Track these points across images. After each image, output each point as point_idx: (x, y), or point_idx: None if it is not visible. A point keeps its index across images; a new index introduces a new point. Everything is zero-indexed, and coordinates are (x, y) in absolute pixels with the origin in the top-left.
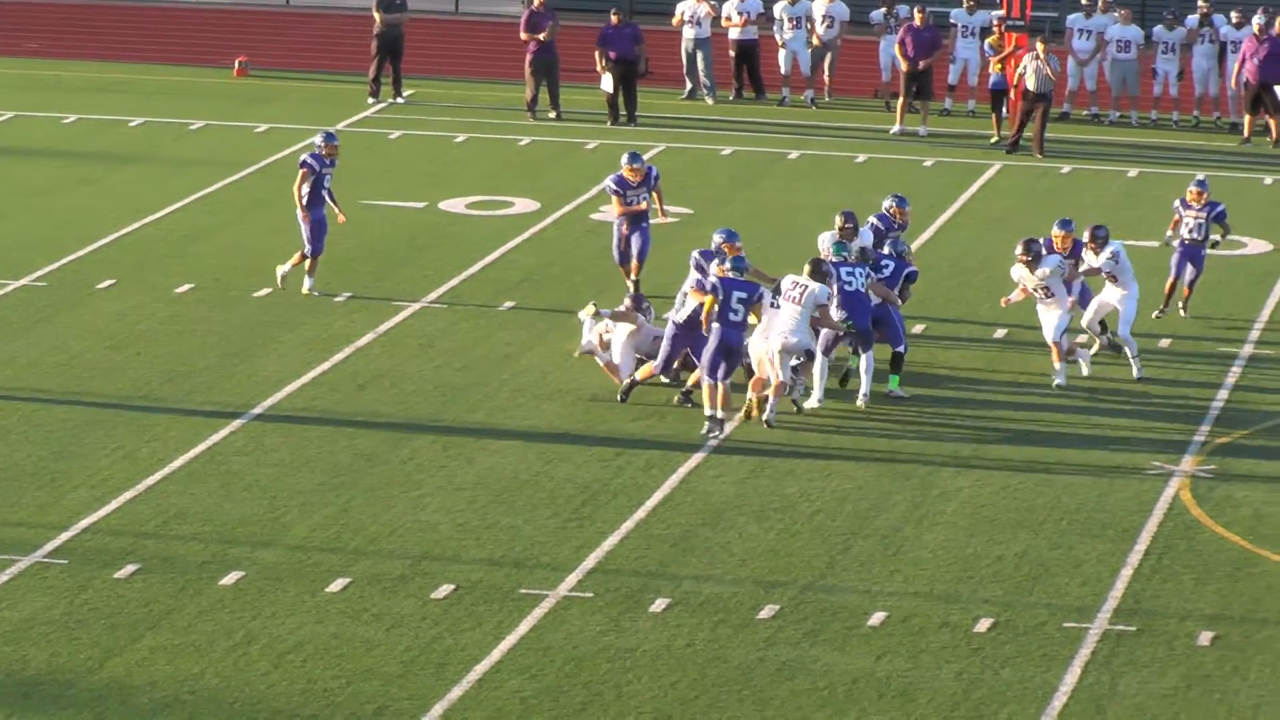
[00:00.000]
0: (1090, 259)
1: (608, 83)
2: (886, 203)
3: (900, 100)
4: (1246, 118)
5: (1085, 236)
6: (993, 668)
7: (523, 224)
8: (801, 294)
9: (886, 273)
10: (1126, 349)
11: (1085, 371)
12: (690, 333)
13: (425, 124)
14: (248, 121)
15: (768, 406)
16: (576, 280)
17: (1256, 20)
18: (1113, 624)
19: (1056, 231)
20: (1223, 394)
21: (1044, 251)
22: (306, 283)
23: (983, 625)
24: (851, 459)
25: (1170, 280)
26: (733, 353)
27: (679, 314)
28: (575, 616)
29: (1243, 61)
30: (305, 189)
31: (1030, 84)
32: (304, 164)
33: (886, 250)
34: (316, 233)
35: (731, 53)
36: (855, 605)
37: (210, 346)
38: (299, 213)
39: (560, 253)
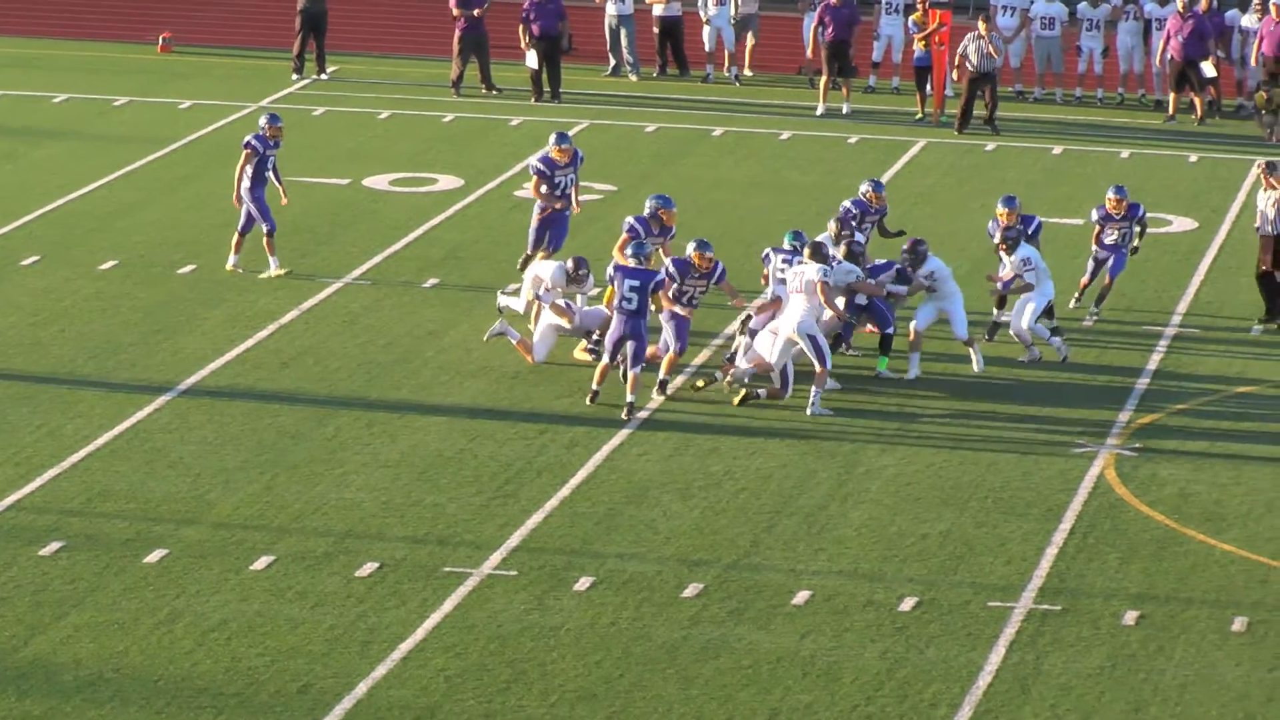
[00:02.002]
0: (1005, 262)
1: (532, 59)
2: (863, 187)
3: (823, 79)
4: (1171, 95)
5: (996, 236)
6: (917, 647)
7: (446, 201)
8: (801, 280)
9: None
10: (1035, 336)
11: (977, 369)
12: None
13: (349, 100)
14: (171, 98)
15: (811, 395)
16: (500, 257)
17: None
18: (1037, 603)
19: (1001, 209)
20: (1147, 372)
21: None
22: (271, 264)
23: (907, 604)
24: (776, 437)
25: (1086, 277)
26: (627, 339)
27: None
28: (499, 594)
29: (1167, 39)
30: (249, 170)
31: (972, 63)
32: (248, 145)
33: (861, 238)
34: (261, 211)
35: (655, 29)
36: (779, 584)
37: (134, 323)
38: (238, 193)
39: (484, 229)
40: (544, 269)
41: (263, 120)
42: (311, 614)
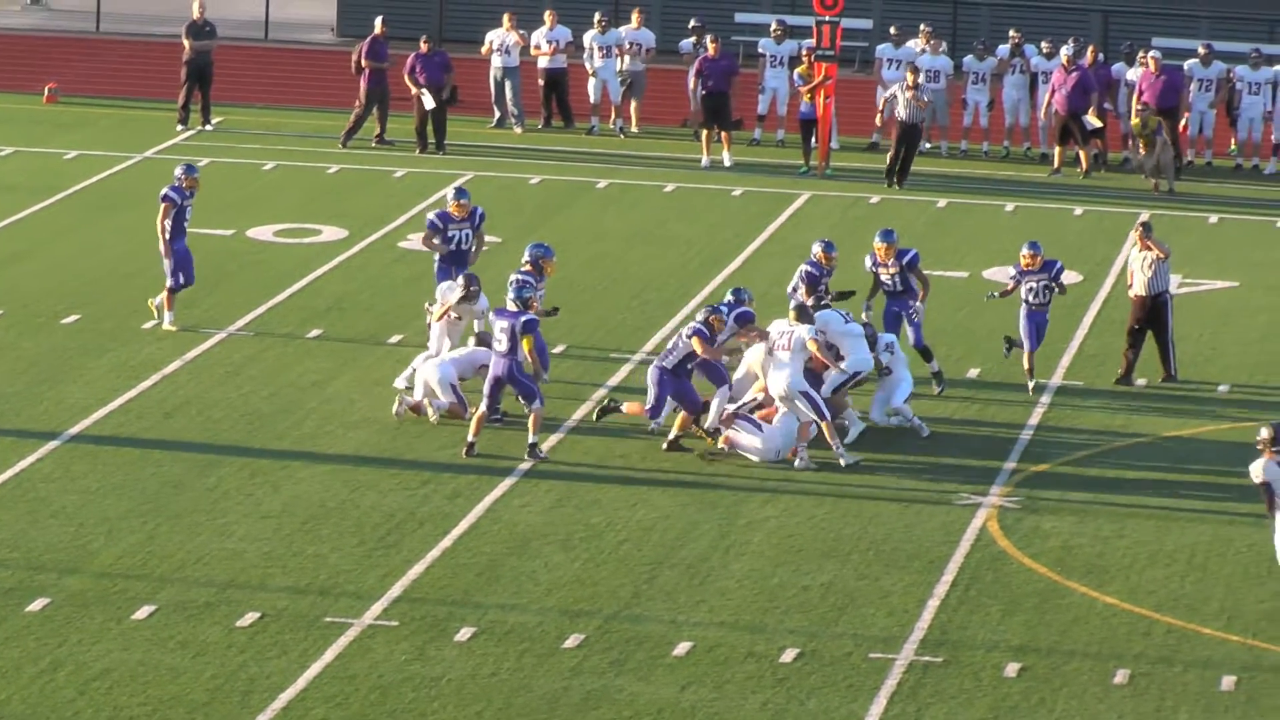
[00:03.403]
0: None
1: (429, 100)
2: (815, 248)
3: (705, 132)
4: (1056, 149)
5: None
6: (798, 698)
7: (330, 252)
8: (790, 339)
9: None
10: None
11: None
12: (676, 378)
13: (233, 151)
14: (57, 148)
15: (835, 445)
16: (384, 308)
17: (1065, 51)
18: (919, 655)
19: (879, 244)
20: (1031, 424)
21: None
22: (166, 318)
23: (788, 655)
24: (659, 488)
25: (1027, 350)
26: (501, 382)
27: (666, 359)
28: (380, 645)
29: (1052, 92)
30: (168, 223)
31: (901, 114)
32: (166, 198)
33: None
34: (183, 264)
35: (540, 81)
36: (661, 635)
37: (18, 372)
38: (162, 246)
39: (368, 281)
40: (430, 372)
41: (179, 171)
42: (193, 663)
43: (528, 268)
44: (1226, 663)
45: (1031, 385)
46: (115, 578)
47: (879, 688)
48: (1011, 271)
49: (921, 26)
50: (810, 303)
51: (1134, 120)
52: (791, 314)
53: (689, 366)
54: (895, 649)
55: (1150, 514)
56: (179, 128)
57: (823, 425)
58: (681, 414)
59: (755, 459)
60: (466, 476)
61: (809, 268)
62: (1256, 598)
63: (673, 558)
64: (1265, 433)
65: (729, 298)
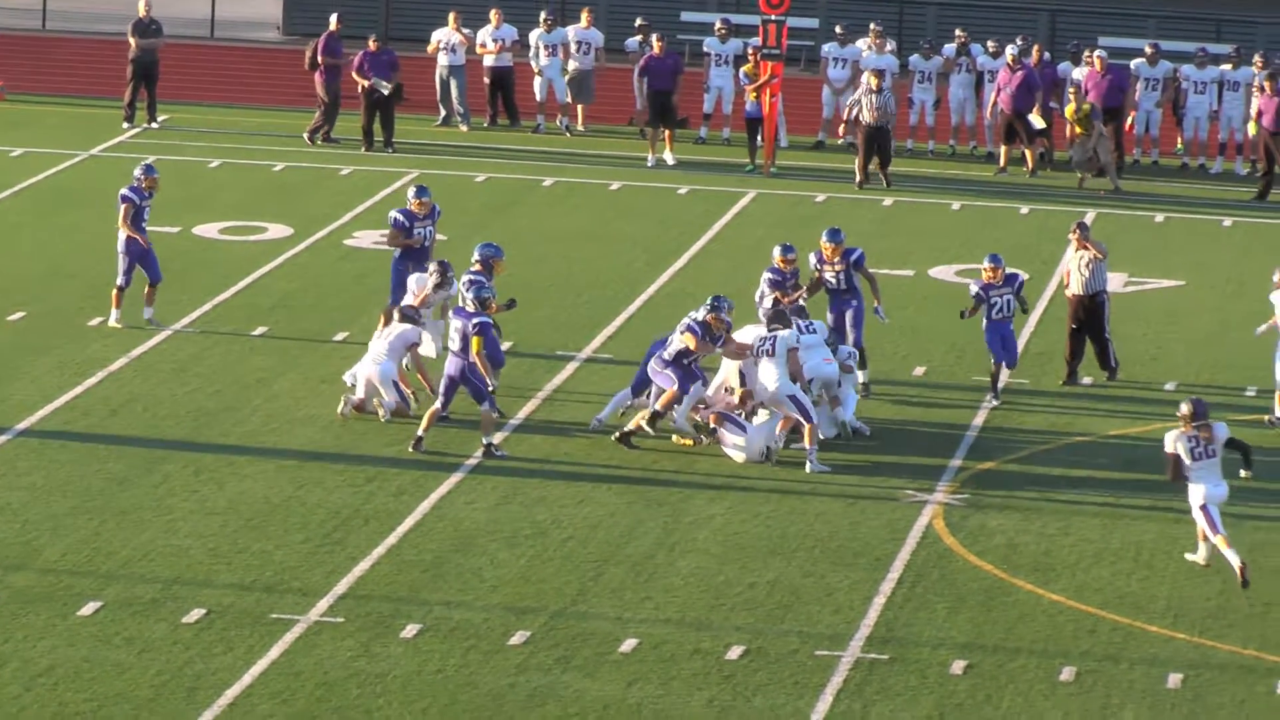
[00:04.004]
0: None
1: (385, 86)
2: (774, 252)
3: (651, 131)
4: (1002, 148)
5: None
6: (744, 695)
7: (276, 249)
8: (773, 345)
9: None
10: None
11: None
12: (684, 372)
13: (179, 149)
14: (2, 145)
15: (812, 450)
16: (329, 306)
17: (1010, 50)
18: (865, 652)
19: (825, 243)
20: (976, 423)
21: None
22: (113, 315)
23: (734, 653)
24: (604, 485)
25: (994, 367)
26: (455, 381)
27: (667, 351)
28: (326, 641)
29: (997, 91)
30: (129, 222)
31: (865, 118)
32: (125, 198)
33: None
34: (149, 263)
35: (486, 80)
36: (606, 632)
37: None
38: (121, 245)
39: (313, 279)
40: (372, 370)
41: (138, 171)
42: (138, 660)
43: (477, 267)
44: (1173, 660)
45: (994, 397)
46: (61, 574)
47: (825, 685)
48: (973, 288)
49: (872, 26)
50: (772, 305)
51: (1069, 108)
52: (766, 320)
53: (685, 361)
54: (841, 646)
55: (1096, 512)
56: (125, 125)
57: (808, 427)
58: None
59: (739, 458)
60: (412, 473)
61: (770, 274)
62: (1203, 595)
63: (618, 555)
64: (1185, 408)
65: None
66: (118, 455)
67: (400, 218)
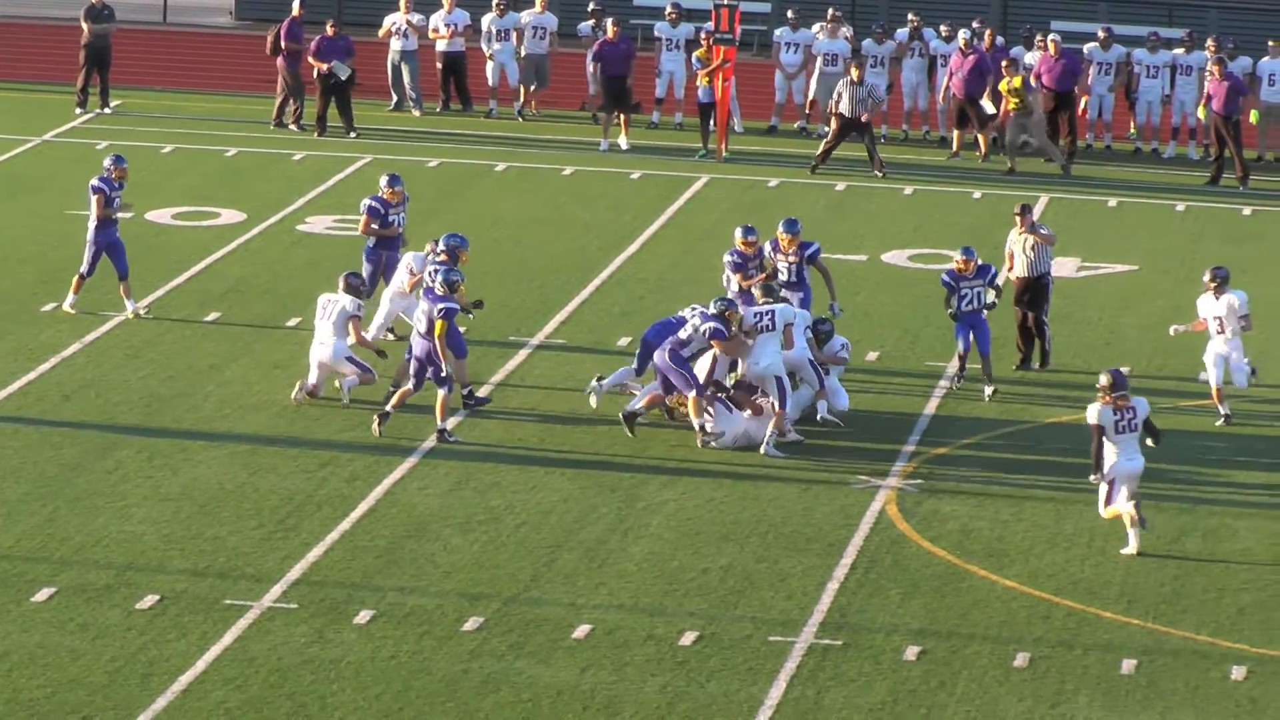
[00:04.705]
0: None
1: (343, 70)
2: (735, 234)
3: (604, 116)
4: (955, 132)
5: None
6: (698, 681)
7: (229, 235)
8: (772, 319)
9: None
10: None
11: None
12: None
13: (132, 134)
14: None
15: (771, 435)
16: (282, 291)
17: (963, 34)
18: (819, 638)
19: (783, 234)
20: (929, 408)
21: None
22: (69, 300)
23: (688, 638)
24: (557, 470)
25: (959, 352)
26: (422, 363)
27: (686, 349)
28: (280, 627)
29: (949, 75)
30: (100, 213)
31: (844, 108)
32: (96, 189)
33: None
34: (116, 254)
35: (438, 65)
36: (560, 618)
37: None
38: (90, 234)
39: (266, 264)
40: (324, 354)
41: (107, 161)
42: (92, 646)
43: (443, 257)
44: (1127, 646)
45: (957, 379)
46: (14, 560)
47: (779, 671)
48: (944, 276)
49: (831, 12)
50: (738, 288)
51: (1002, 84)
52: (758, 294)
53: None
54: (795, 632)
55: (1049, 498)
56: (78, 111)
57: (779, 412)
58: (651, 394)
59: (716, 443)
60: (365, 459)
61: (732, 256)
62: (1156, 581)
63: (571, 540)
64: (1104, 379)
65: (714, 308)
66: (71, 441)
67: (375, 205)
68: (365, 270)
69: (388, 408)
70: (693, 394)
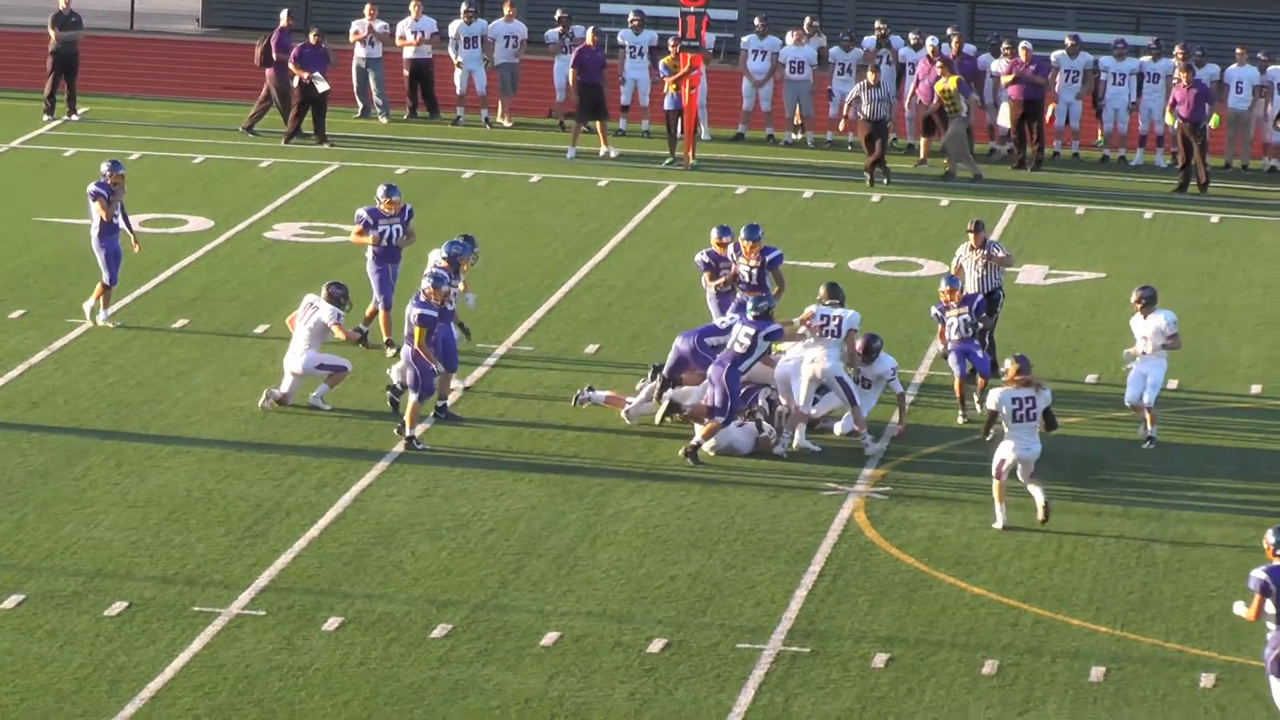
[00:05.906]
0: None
1: (323, 83)
2: (712, 234)
3: (575, 124)
4: (922, 140)
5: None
6: (666, 688)
7: (196, 242)
8: (839, 325)
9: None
10: None
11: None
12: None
13: (100, 141)
14: None
15: (862, 437)
16: (249, 298)
17: (930, 42)
18: (787, 645)
19: (744, 241)
20: (897, 417)
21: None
22: (101, 315)
23: (656, 645)
24: (525, 477)
25: (957, 381)
26: (411, 370)
27: (741, 363)
28: (248, 634)
29: (916, 83)
30: (104, 218)
31: (865, 112)
32: (96, 194)
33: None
34: (110, 263)
35: (405, 72)
36: (528, 625)
37: None
38: (94, 243)
39: (233, 270)
40: (294, 363)
41: (104, 168)
42: (61, 653)
43: (444, 264)
44: (1095, 653)
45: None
46: None
47: (747, 678)
48: (933, 310)
49: (808, 21)
50: (715, 288)
51: (938, 84)
52: (823, 292)
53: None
54: (763, 639)
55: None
56: (45, 118)
57: (854, 410)
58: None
59: (708, 445)
60: (333, 466)
61: (704, 256)
62: (1124, 589)
63: (540, 547)
64: (1010, 365)
65: (751, 313)
66: (39, 447)
67: (366, 216)
68: (373, 282)
69: (409, 432)
70: (720, 420)
